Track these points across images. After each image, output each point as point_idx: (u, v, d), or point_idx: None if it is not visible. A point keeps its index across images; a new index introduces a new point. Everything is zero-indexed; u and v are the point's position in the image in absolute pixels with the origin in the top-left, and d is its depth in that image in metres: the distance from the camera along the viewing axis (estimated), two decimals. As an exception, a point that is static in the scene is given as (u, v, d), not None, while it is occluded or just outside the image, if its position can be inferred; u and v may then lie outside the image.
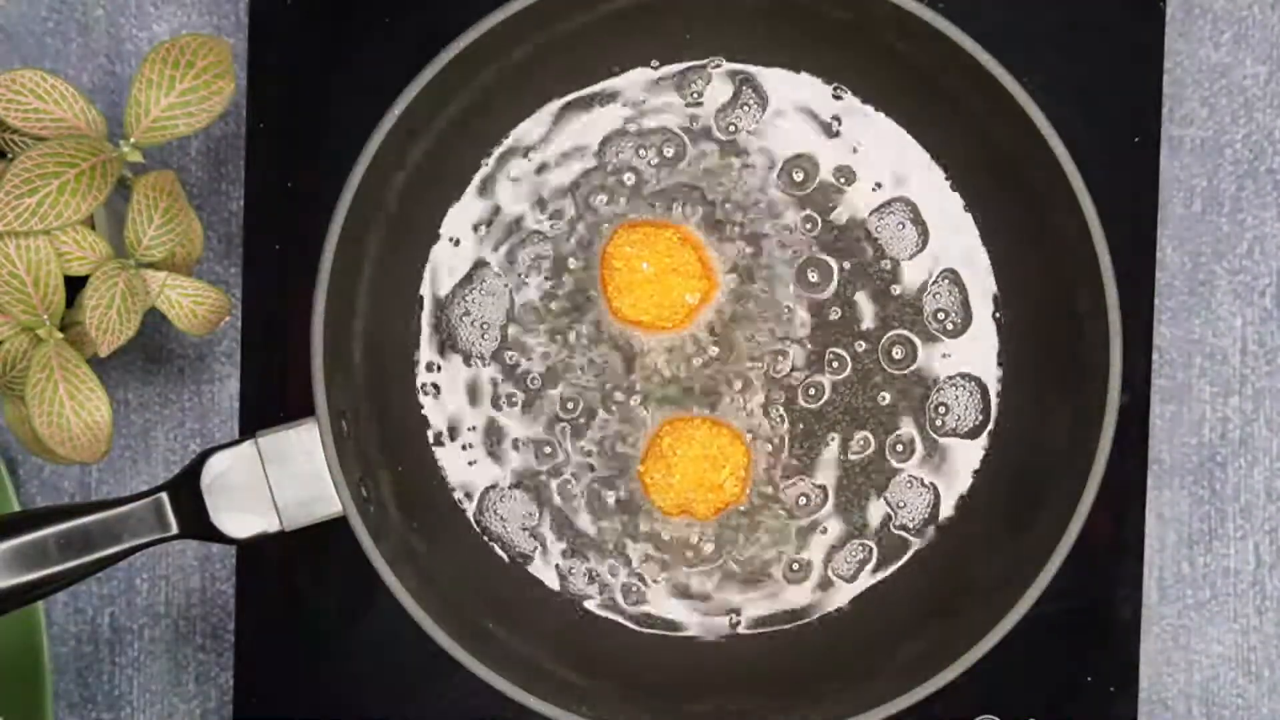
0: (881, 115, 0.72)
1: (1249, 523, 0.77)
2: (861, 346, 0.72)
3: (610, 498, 0.72)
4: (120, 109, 0.68)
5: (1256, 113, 0.78)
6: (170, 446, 0.77)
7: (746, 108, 0.72)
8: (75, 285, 0.66)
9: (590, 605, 0.72)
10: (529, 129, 0.73)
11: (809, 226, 0.72)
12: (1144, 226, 0.77)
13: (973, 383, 0.72)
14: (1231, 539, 0.77)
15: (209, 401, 0.77)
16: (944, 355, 0.72)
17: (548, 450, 0.72)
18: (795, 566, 0.72)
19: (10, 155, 0.68)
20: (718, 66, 0.72)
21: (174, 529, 0.65)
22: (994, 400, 0.72)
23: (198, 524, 0.65)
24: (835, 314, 0.73)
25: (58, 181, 0.65)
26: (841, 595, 0.72)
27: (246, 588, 0.76)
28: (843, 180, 0.72)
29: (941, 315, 0.72)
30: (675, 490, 0.71)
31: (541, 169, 0.73)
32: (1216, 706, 0.77)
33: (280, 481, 0.65)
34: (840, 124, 0.72)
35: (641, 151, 0.73)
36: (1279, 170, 0.77)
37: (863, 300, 0.73)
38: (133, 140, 0.67)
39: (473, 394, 0.73)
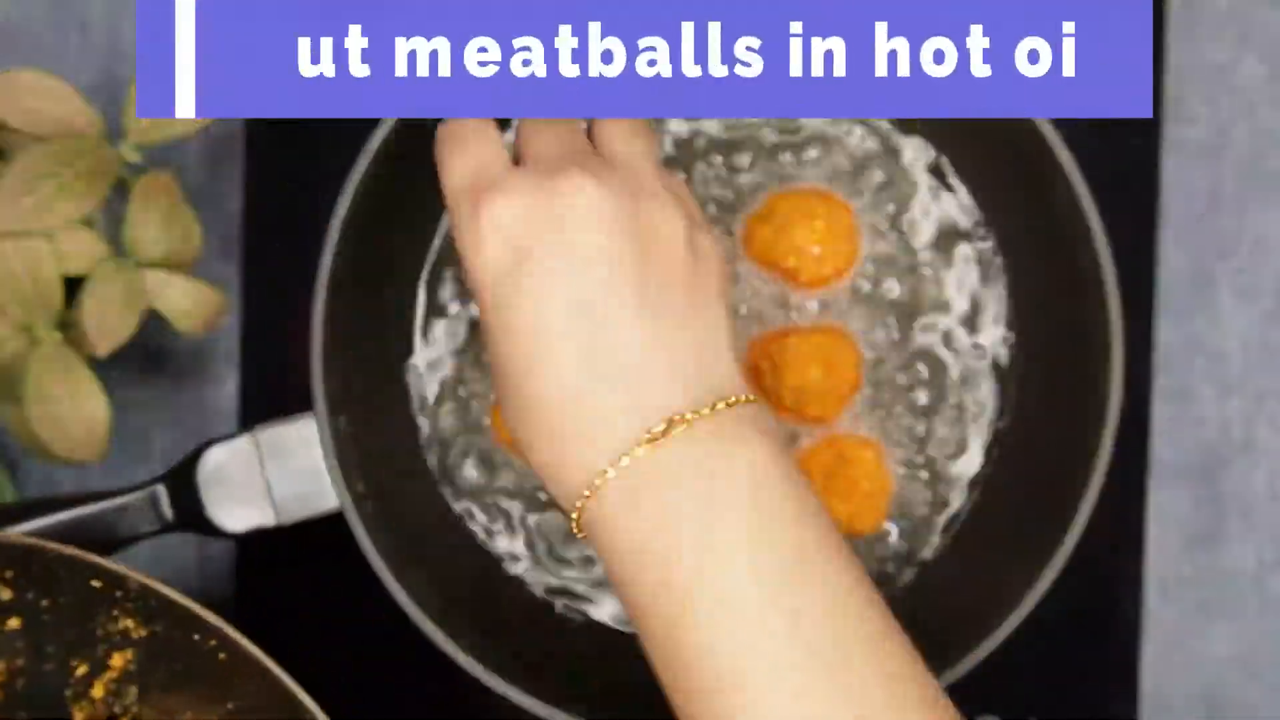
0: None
1: (1250, 523, 0.77)
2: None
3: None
4: (119, 109, 0.68)
5: (1258, 112, 0.77)
6: (169, 446, 0.77)
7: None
8: (74, 285, 0.67)
9: (587, 607, 0.72)
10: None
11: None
12: (1144, 226, 0.77)
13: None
14: (1233, 540, 0.77)
15: (208, 401, 0.77)
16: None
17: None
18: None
19: (9, 155, 0.68)
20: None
21: (170, 521, 0.65)
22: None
23: (194, 516, 0.65)
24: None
25: (56, 181, 0.65)
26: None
27: (246, 587, 0.76)
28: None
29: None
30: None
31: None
32: (1217, 707, 0.77)
33: (277, 475, 0.65)
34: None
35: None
36: (1280, 170, 0.78)
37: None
38: (131, 140, 0.67)
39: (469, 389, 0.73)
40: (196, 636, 0.62)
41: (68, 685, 0.64)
